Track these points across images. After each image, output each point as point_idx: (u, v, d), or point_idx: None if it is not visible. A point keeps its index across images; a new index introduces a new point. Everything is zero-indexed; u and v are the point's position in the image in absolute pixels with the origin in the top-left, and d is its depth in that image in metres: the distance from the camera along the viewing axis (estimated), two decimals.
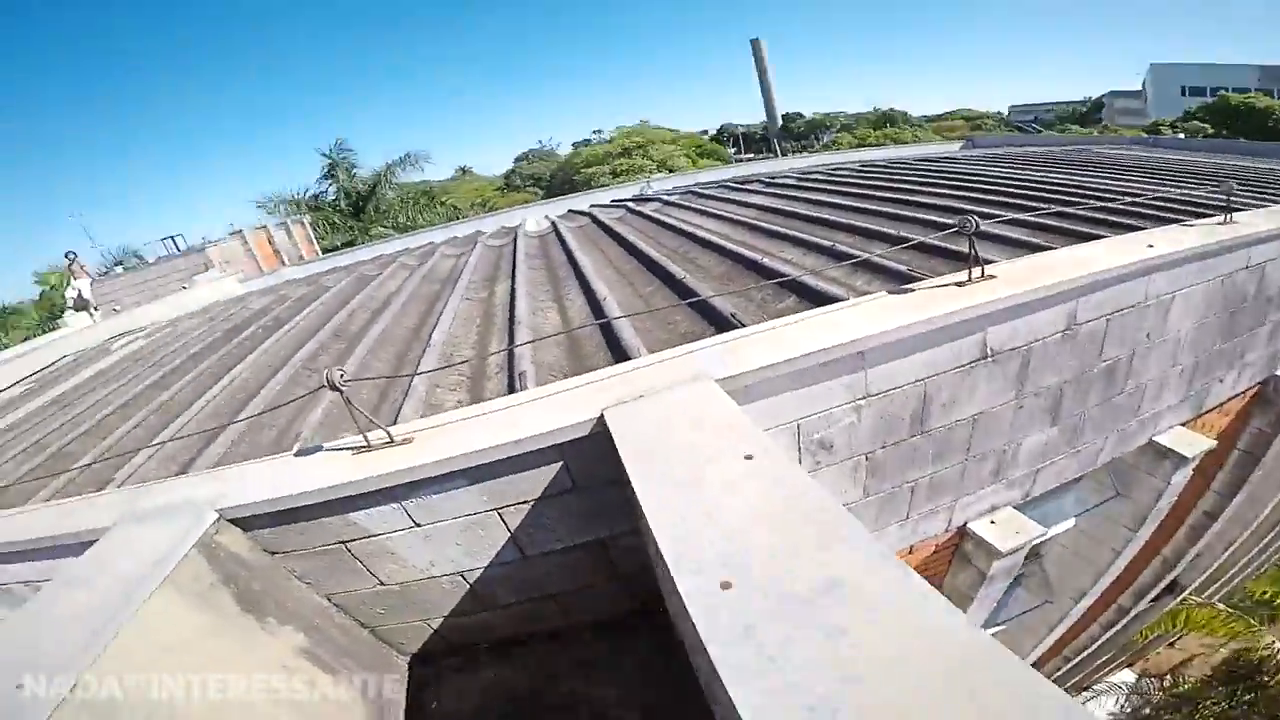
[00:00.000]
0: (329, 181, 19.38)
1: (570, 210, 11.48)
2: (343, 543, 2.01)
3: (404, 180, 21.06)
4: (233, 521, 1.85)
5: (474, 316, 4.38)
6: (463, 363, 3.63)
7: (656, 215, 7.06)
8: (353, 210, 19.36)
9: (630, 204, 8.75)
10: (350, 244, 18.58)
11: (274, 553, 2.01)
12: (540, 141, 63.14)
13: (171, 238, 14.12)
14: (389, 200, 19.96)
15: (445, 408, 3.13)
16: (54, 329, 14.51)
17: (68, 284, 11.37)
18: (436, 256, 6.74)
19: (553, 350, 3.62)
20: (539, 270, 5.45)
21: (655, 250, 5.15)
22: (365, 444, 1.91)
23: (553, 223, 8.01)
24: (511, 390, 3.05)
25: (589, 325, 3.86)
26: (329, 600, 2.30)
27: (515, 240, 6.94)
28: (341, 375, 1.69)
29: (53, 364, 7.45)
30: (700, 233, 5.52)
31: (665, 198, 8.88)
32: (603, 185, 39.19)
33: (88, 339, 8.43)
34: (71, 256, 11.11)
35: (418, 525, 2.01)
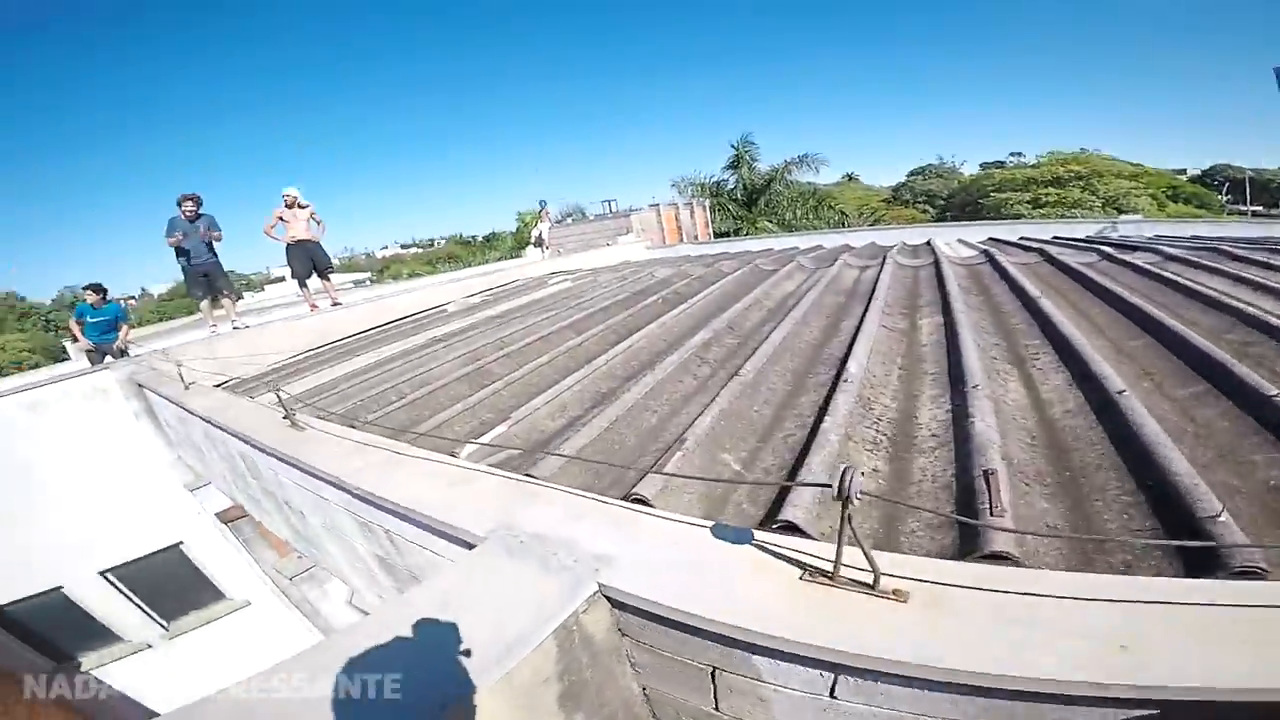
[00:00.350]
0: (731, 171, 20.72)
1: (994, 239, 9.46)
2: (713, 669, 1.41)
3: (794, 179, 21.18)
4: (607, 598, 1.40)
5: (894, 353, 3.48)
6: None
7: (1162, 273, 4.91)
8: (746, 201, 20.33)
9: (1105, 247, 6.49)
10: (737, 232, 19.61)
11: (625, 635, 1.53)
12: (940, 157, 57.49)
13: (608, 201, 16.94)
14: (780, 196, 20.31)
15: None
16: (518, 256, 19.20)
17: (535, 224, 14.55)
18: (838, 266, 6.04)
19: (1022, 442, 2.47)
20: (980, 311, 4.20)
21: (1186, 329, 3.37)
22: (829, 573, 1.22)
23: (986, 251, 6.45)
24: (965, 488, 2.09)
25: (1080, 415, 2.58)
26: (643, 691, 1.81)
27: (938, 264, 5.72)
28: (861, 476, 1.02)
29: (506, 285, 9.41)
30: (1270, 319, 3.44)
31: (1162, 248, 6.32)
32: (1016, 215, 33.24)
33: (534, 271, 10.47)
34: (543, 204, 14.18)
35: (831, 699, 1.27)
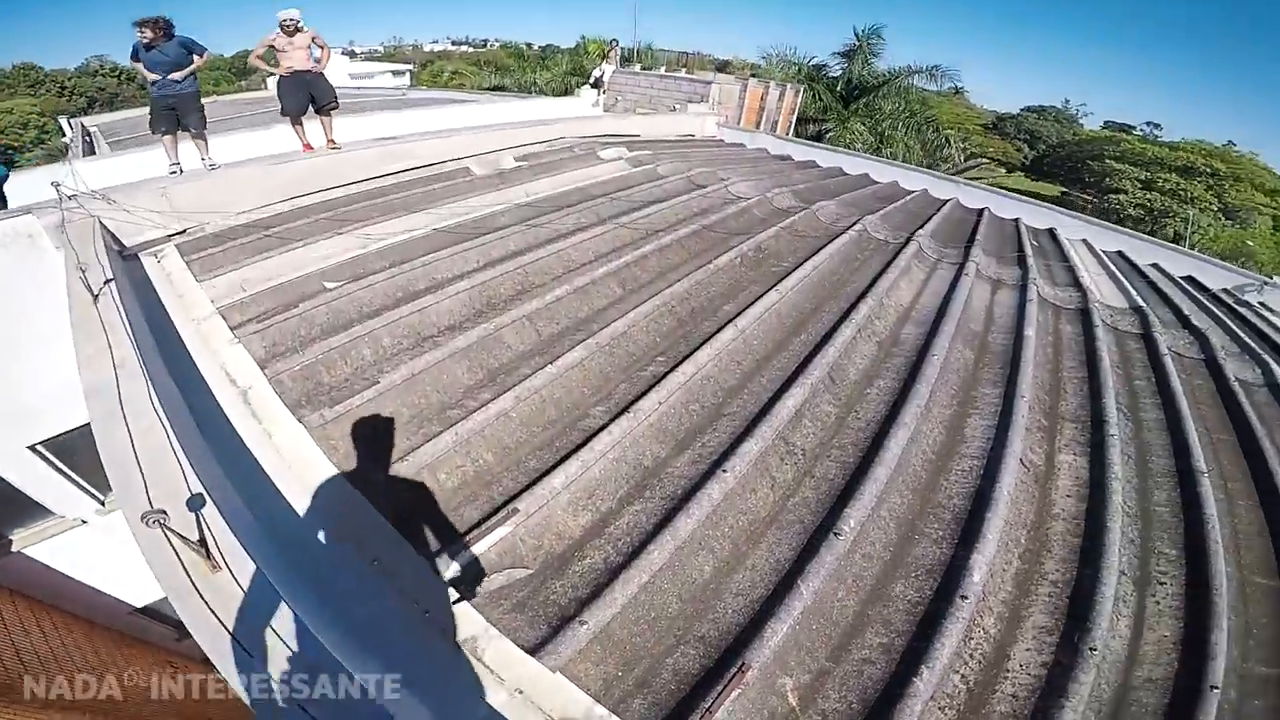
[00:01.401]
0: (842, 60, 17.53)
1: (1126, 258, 8.00)
2: None
3: (915, 85, 18.06)
4: None
5: (1020, 523, 2.45)
6: None
7: None
8: (844, 98, 17.39)
9: (1272, 364, 5.09)
10: (821, 133, 16.99)
11: None
12: (1067, 101, 51.40)
13: (687, 54, 14.19)
14: (886, 101, 17.35)
15: None
16: (571, 86, 16.59)
17: (599, 63, 12.29)
18: (970, 274, 4.64)
19: None
20: (1130, 457, 3.08)
21: None
22: None
23: (1140, 311, 5.00)
24: None
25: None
26: None
27: (1088, 320, 4.41)
28: None
29: (550, 144, 7.72)
30: None
31: None
32: (1119, 190, 29.72)
33: (585, 128, 8.65)
34: (614, 42, 11.86)
35: None
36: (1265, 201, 27.97)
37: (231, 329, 3.40)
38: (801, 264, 4.24)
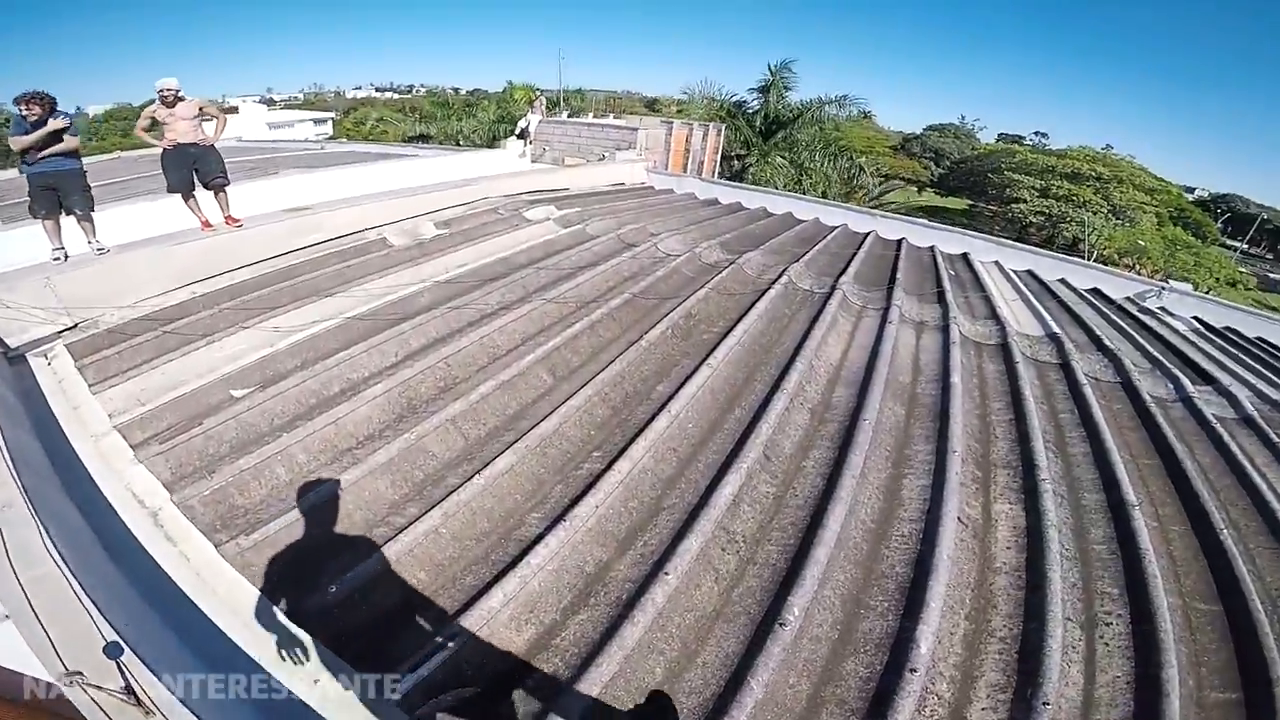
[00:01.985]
0: (759, 95, 18.38)
1: (1037, 277, 8.47)
2: None
3: (830, 114, 19.05)
4: None
5: (964, 583, 2.46)
6: None
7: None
8: (764, 130, 18.17)
9: (1185, 382, 5.45)
10: (742, 170, 17.60)
11: None
12: (963, 118, 55.40)
13: (613, 94, 14.49)
14: (803, 133, 18.22)
15: None
16: (498, 134, 16.61)
17: (525, 114, 12.39)
18: (894, 320, 4.79)
19: None
20: (1063, 498, 3.19)
21: None
22: None
23: (1056, 338, 5.32)
24: None
25: None
26: None
27: (1009, 356, 4.62)
28: None
29: (472, 205, 7.61)
30: None
31: (1244, 393, 5.11)
32: (1018, 199, 32.11)
33: (510, 185, 8.59)
34: (539, 93, 11.97)
35: None
36: (1147, 200, 30.80)
37: (133, 448, 3.13)
38: (732, 328, 4.26)
